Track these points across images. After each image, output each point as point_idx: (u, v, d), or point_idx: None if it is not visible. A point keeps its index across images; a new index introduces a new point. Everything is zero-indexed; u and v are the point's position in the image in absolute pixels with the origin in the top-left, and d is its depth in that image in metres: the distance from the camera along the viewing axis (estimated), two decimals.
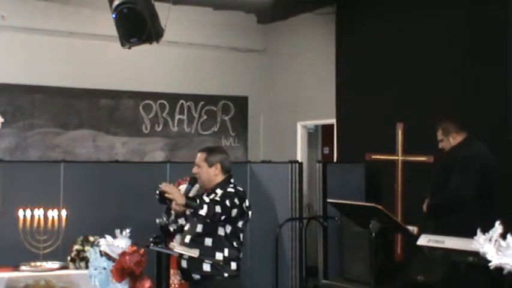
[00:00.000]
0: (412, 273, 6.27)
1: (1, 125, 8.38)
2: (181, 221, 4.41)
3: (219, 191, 4.27)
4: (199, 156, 4.37)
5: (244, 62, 10.04)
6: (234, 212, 4.14)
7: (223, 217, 4.08)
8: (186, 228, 4.35)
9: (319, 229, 7.55)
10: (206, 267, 4.14)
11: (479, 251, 3.19)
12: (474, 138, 5.80)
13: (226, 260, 4.16)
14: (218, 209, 4.04)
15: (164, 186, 4.11)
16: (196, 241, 4.19)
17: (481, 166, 5.58)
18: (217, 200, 4.10)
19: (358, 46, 8.43)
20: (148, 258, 4.15)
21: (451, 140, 5.78)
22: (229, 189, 4.25)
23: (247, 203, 4.27)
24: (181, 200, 4.03)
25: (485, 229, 3.25)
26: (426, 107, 7.27)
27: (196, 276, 4.19)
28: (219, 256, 4.15)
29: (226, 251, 4.17)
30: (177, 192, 4.09)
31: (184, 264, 4.23)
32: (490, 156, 5.69)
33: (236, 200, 4.17)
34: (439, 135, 5.83)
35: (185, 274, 4.28)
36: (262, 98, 10.12)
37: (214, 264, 4.14)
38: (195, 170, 4.38)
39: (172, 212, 4.42)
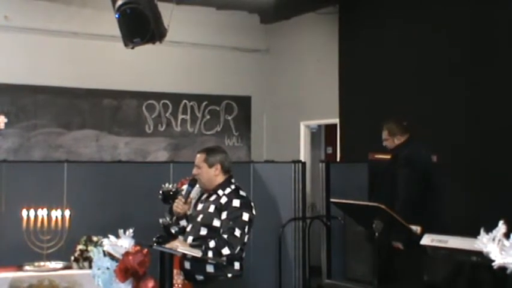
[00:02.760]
0: (415, 273, 6.26)
1: (4, 125, 8.40)
2: (183, 222, 4.41)
3: (220, 192, 4.26)
4: (199, 157, 4.34)
5: (247, 62, 10.05)
6: (245, 237, 4.16)
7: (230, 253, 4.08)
8: (188, 229, 4.34)
9: (323, 229, 7.54)
10: (209, 268, 4.12)
11: (482, 251, 3.19)
12: (414, 139, 5.99)
13: (230, 260, 4.13)
14: (226, 250, 4.03)
15: (169, 245, 4.12)
16: (200, 242, 4.17)
17: (421, 164, 5.77)
18: (225, 240, 4.05)
19: (360, 46, 8.43)
20: (151, 258, 4.14)
21: (395, 140, 5.98)
22: (235, 204, 4.18)
23: (253, 211, 4.24)
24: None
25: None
26: (429, 107, 7.26)
27: (200, 277, 4.17)
28: (208, 260, 4.11)
29: (210, 253, 4.08)
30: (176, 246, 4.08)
31: (187, 265, 4.21)
32: (428, 156, 5.95)
33: (246, 221, 4.14)
34: (385, 135, 6.04)
35: (188, 275, 4.27)
36: (265, 97, 10.13)
37: (218, 265, 4.11)
38: (195, 171, 4.35)
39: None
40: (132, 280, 4.09)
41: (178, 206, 4.36)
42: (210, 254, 4.02)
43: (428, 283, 6.03)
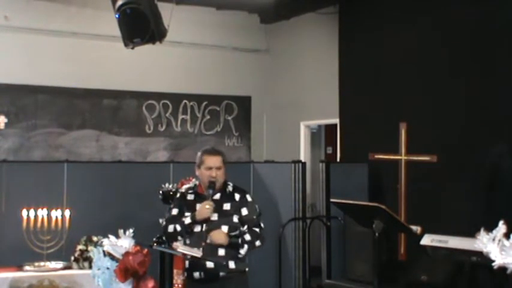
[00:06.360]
0: (415, 273, 6.26)
1: (4, 125, 8.40)
2: (197, 228, 4.42)
3: (227, 189, 4.53)
4: (218, 159, 4.51)
5: (247, 62, 10.05)
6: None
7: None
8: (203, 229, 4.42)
9: (323, 229, 7.54)
10: (231, 264, 4.38)
11: (482, 251, 3.19)
12: None
13: (244, 257, 4.49)
14: (258, 243, 4.50)
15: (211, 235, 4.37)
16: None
17: None
18: (258, 233, 4.51)
19: (361, 46, 8.42)
20: (151, 258, 4.14)
21: None
22: (249, 198, 4.56)
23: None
24: (226, 241, 4.37)
25: None
26: (429, 107, 7.26)
27: (223, 274, 4.37)
28: (242, 252, 4.45)
29: (245, 246, 4.45)
30: (222, 237, 4.36)
31: (210, 264, 4.35)
32: None
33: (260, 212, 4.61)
34: None
35: (211, 274, 4.38)
36: (265, 97, 10.12)
37: (238, 261, 4.42)
38: (216, 173, 4.46)
39: (186, 214, 4.43)
40: (132, 280, 4.09)
41: (210, 210, 4.39)
42: (245, 247, 4.37)
43: (428, 283, 6.04)
